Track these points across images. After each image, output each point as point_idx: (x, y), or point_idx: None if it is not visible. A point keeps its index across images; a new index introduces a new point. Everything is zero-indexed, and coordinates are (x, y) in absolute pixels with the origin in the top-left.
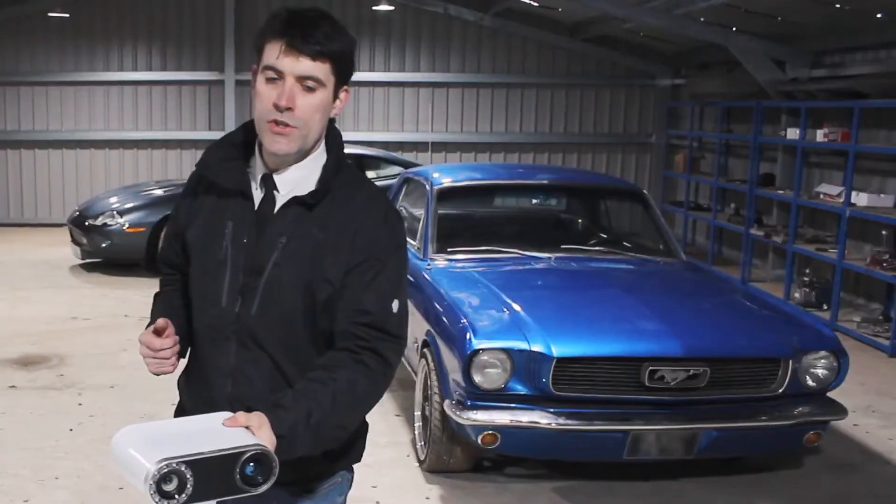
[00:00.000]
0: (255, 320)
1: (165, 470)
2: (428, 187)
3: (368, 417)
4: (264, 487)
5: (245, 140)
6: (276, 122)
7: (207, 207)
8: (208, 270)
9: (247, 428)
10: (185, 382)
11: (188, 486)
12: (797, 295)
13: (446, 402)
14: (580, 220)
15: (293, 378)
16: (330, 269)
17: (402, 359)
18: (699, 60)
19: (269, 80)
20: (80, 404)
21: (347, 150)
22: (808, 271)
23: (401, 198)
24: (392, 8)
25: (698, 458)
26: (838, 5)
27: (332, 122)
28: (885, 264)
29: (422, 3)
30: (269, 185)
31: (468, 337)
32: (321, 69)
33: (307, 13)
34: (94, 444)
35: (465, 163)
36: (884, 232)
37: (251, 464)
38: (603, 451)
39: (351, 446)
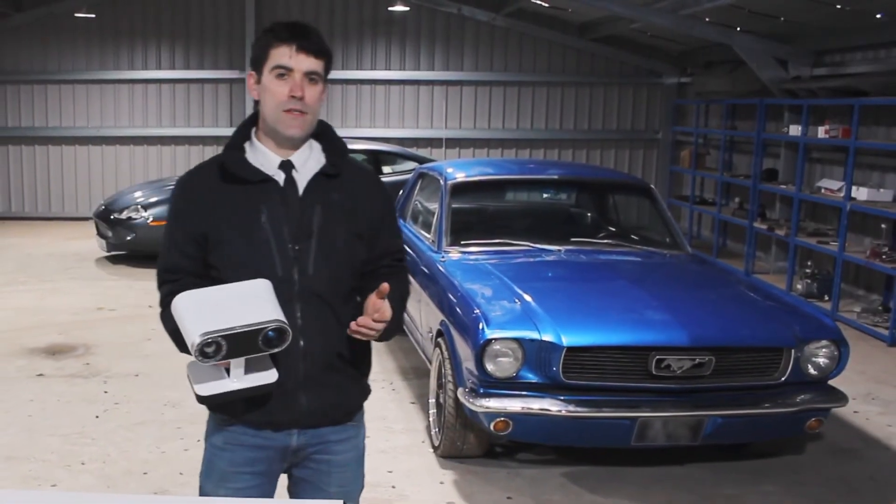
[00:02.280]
0: (313, 278)
1: (207, 339)
2: (442, 182)
3: (384, 407)
4: (280, 348)
5: (242, 142)
6: (292, 110)
7: (231, 201)
8: (255, 250)
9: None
10: None
11: (223, 350)
12: (799, 286)
13: (460, 389)
14: (589, 214)
15: (346, 319)
16: (361, 224)
17: (417, 347)
18: (704, 59)
19: (279, 77)
20: (105, 392)
21: (365, 146)
22: (809, 263)
23: (416, 192)
24: (407, 9)
25: (704, 445)
26: (839, 6)
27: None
28: (884, 256)
29: (436, 4)
30: (288, 168)
31: (481, 327)
32: (320, 65)
33: (302, 24)
34: (119, 430)
35: (478, 158)
36: (883, 225)
37: (272, 332)
38: (611, 437)
39: (366, 387)
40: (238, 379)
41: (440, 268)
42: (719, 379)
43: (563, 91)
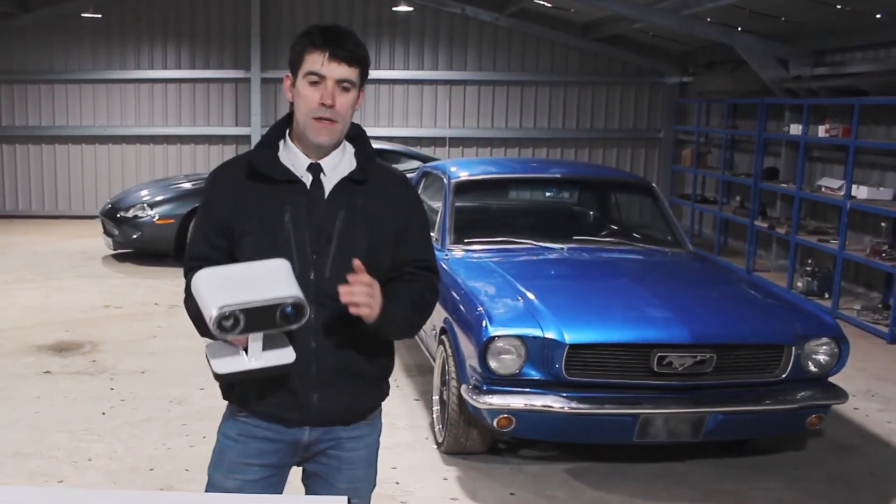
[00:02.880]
0: (330, 281)
1: (225, 312)
2: (445, 181)
3: (388, 403)
4: (298, 325)
5: (276, 140)
6: (321, 119)
7: (258, 198)
8: (276, 248)
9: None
10: None
11: (240, 323)
12: (800, 284)
13: (463, 386)
14: (592, 213)
15: (362, 325)
16: (384, 231)
17: (421, 344)
18: (706, 59)
19: (312, 84)
20: (112, 389)
21: None
22: (810, 261)
23: (419, 191)
24: (411, 9)
25: (705, 441)
26: (839, 6)
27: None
28: (884, 254)
29: (440, 4)
30: (316, 170)
31: (484, 324)
32: (354, 73)
33: (337, 29)
34: (125, 427)
35: (481, 157)
36: (883, 223)
37: (289, 308)
38: (613, 433)
39: (383, 388)
40: (256, 357)
41: (444, 266)
42: (720, 376)
43: (566, 90)
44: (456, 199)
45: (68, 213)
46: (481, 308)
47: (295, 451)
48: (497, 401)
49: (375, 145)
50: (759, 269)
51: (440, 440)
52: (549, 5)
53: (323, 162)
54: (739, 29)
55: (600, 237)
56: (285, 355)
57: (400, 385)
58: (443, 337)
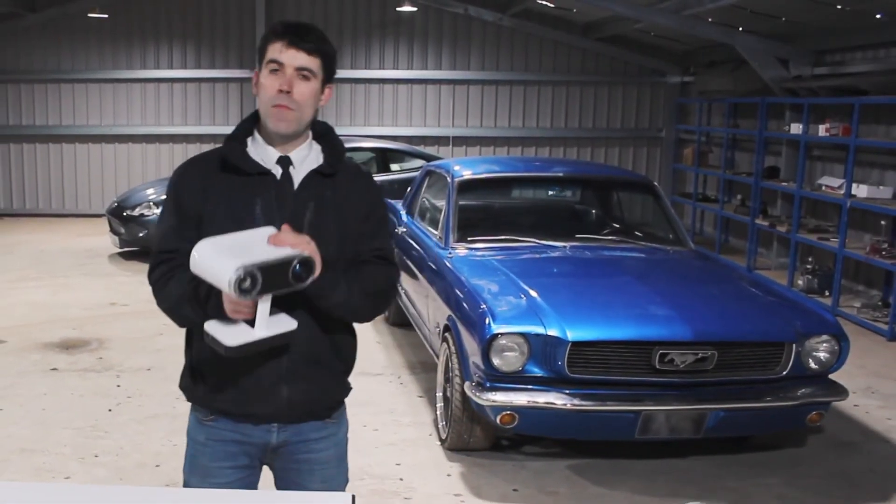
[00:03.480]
0: None
1: (242, 273)
2: (449, 179)
3: (392, 401)
4: (307, 283)
5: (245, 135)
6: (279, 105)
7: (228, 190)
8: None
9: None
10: None
11: (258, 283)
12: (800, 282)
13: (467, 383)
14: (594, 211)
15: (331, 315)
16: (349, 223)
17: (424, 341)
18: (707, 59)
19: (272, 72)
20: (118, 386)
21: (374, 144)
22: (810, 259)
23: (423, 189)
24: (415, 9)
25: (706, 438)
26: (839, 6)
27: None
28: (884, 252)
29: (443, 4)
30: (285, 163)
31: (487, 322)
32: (314, 63)
33: (302, 22)
34: (131, 423)
35: (485, 156)
36: (882, 222)
37: (298, 266)
38: (615, 430)
39: (347, 382)
40: (264, 326)
41: (447, 264)
42: (721, 373)
43: (568, 90)
44: (459, 197)
45: (75, 212)
46: (484, 306)
47: (264, 452)
48: (500, 398)
49: (380, 144)
50: (760, 267)
51: (444, 437)
52: (551, 6)
53: (291, 155)
54: (740, 29)
55: (602, 235)
56: (289, 323)
57: (404, 382)
58: (446, 334)
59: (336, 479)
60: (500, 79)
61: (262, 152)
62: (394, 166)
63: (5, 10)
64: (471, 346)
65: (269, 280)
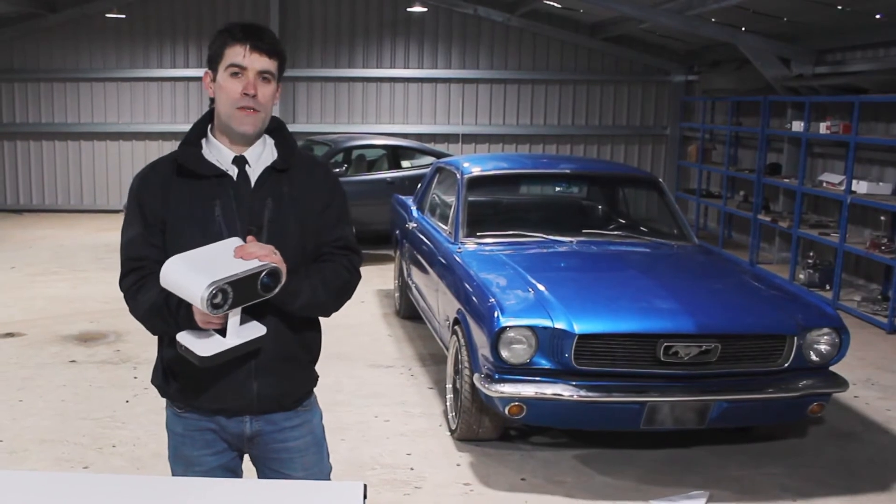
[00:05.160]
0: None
1: (214, 290)
2: (459, 176)
3: (403, 392)
4: (275, 292)
5: (199, 137)
6: (245, 108)
7: (188, 194)
8: (207, 242)
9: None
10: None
11: (229, 297)
12: (801, 276)
13: (476, 375)
14: (600, 207)
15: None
16: (309, 215)
17: (434, 334)
18: (710, 58)
19: (234, 76)
20: (135, 377)
21: (385, 141)
22: (811, 254)
23: (433, 185)
24: (425, 9)
25: (710, 428)
26: (840, 7)
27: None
28: (883, 247)
29: (453, 5)
30: (241, 163)
31: (496, 315)
32: (273, 65)
33: (256, 24)
34: (148, 414)
35: (493, 153)
36: (882, 217)
37: (266, 277)
38: (621, 421)
39: (314, 373)
40: (235, 335)
41: (457, 258)
42: (725, 365)
43: (575, 88)
44: (469, 193)
45: (94, 208)
46: (493, 299)
47: (241, 441)
48: (508, 389)
49: (390, 141)
50: (763, 262)
51: (453, 427)
52: (558, 6)
53: (247, 154)
54: (743, 29)
55: (608, 230)
56: (258, 329)
57: (415, 374)
58: (456, 327)
59: (317, 466)
60: (508, 77)
61: (218, 153)
62: (405, 163)
63: (26, 10)
64: (480, 338)
65: (240, 294)
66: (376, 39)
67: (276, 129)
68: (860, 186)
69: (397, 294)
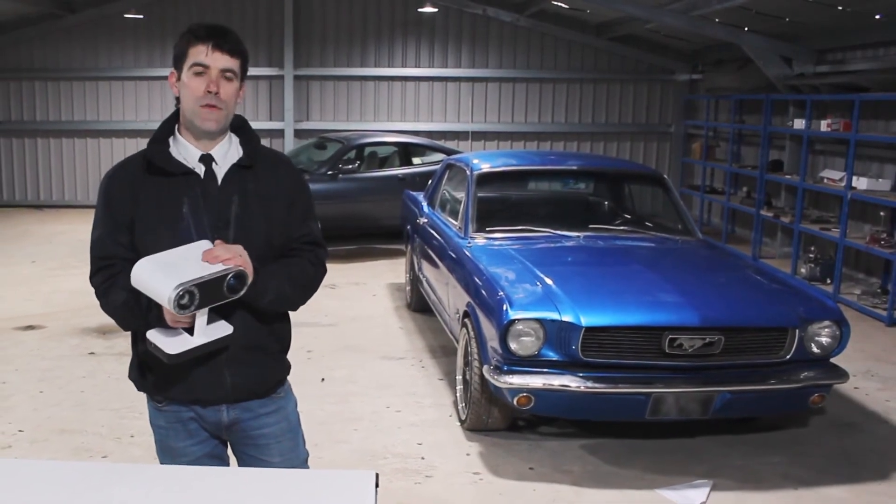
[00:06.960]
0: None
1: (181, 291)
2: (468, 172)
3: (414, 383)
4: (241, 293)
5: (166, 136)
6: (208, 105)
7: (156, 192)
8: (178, 239)
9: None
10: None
11: (196, 298)
12: (803, 270)
13: (485, 367)
14: (606, 202)
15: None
16: (275, 211)
17: (445, 327)
18: (714, 57)
19: (197, 74)
20: None
21: (397, 138)
22: (813, 249)
23: (444, 182)
24: (436, 10)
25: (714, 418)
26: (841, 7)
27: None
28: (883, 242)
29: (463, 5)
30: (208, 161)
31: (505, 308)
32: (235, 64)
33: (221, 26)
34: None
35: (502, 150)
36: (882, 213)
37: (233, 279)
38: (627, 411)
39: (286, 362)
40: (202, 334)
41: (467, 253)
42: (728, 357)
43: (582, 87)
44: (478, 189)
45: None
46: (502, 293)
47: (219, 429)
48: (517, 380)
49: (401, 139)
50: (765, 256)
51: (463, 418)
52: (566, 6)
53: (213, 152)
54: (746, 29)
55: (614, 226)
56: (224, 328)
57: (425, 366)
58: (465, 320)
59: (293, 451)
60: (516, 76)
61: (185, 151)
62: (415, 160)
63: (46, 10)
64: (489, 331)
65: (206, 295)
66: (388, 39)
67: (240, 126)
68: (860, 183)
69: (408, 287)
